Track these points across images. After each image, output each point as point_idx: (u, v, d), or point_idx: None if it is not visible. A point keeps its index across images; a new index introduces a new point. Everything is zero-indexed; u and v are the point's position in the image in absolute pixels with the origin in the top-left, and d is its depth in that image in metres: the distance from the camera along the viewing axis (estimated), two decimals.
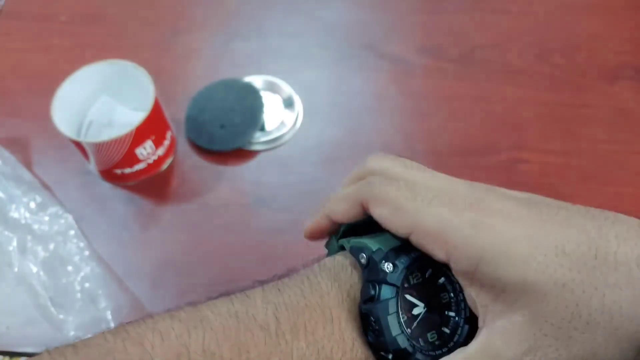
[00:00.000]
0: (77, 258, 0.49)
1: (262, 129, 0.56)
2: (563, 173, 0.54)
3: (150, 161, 0.52)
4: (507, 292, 0.21)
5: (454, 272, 0.23)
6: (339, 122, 0.58)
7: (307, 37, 0.64)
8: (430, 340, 0.24)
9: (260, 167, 0.55)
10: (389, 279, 0.24)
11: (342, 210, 0.27)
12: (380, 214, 0.24)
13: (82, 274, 0.48)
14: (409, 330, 0.24)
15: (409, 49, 0.63)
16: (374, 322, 0.23)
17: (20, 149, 0.56)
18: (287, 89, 0.59)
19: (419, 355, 0.23)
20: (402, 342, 0.23)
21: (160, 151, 0.53)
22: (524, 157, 0.54)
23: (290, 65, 0.62)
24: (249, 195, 0.53)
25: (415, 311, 0.24)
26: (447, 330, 0.25)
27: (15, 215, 0.50)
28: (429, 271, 0.25)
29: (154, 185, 0.54)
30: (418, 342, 0.24)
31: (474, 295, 0.22)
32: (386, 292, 0.23)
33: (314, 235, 0.30)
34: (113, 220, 0.52)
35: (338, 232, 0.28)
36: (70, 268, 0.48)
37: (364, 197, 0.25)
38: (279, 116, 0.57)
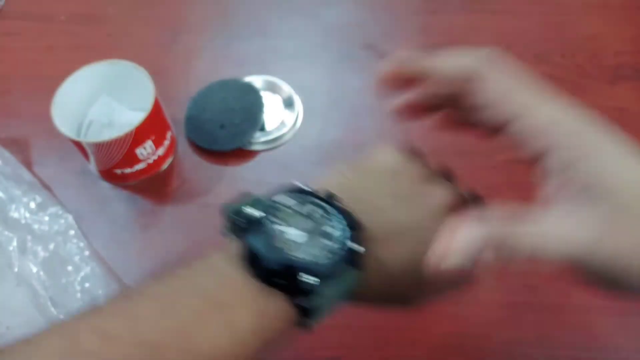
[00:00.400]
0: (77, 258, 0.49)
1: (262, 129, 0.56)
2: None
3: (150, 161, 0.52)
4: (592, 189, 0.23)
5: (544, 163, 0.25)
6: (339, 122, 0.58)
7: (307, 37, 0.64)
8: (315, 254, 0.25)
9: (260, 167, 0.55)
10: (251, 216, 0.26)
11: (449, 65, 0.28)
12: (494, 88, 0.25)
13: (82, 274, 0.48)
14: (288, 251, 0.25)
15: (408, 49, 0.63)
16: (253, 256, 0.25)
17: (20, 149, 0.56)
18: (287, 89, 0.59)
19: (303, 262, 0.24)
20: (281, 258, 0.24)
21: (160, 151, 0.53)
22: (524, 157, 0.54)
23: (290, 65, 0.62)
24: None
25: (295, 238, 0.26)
26: (329, 243, 0.26)
27: (15, 215, 0.50)
28: (297, 204, 0.27)
29: (154, 185, 0.54)
30: (299, 258, 0.25)
31: (554, 187, 0.24)
32: (255, 228, 0.25)
33: (391, 79, 0.31)
34: (113, 220, 0.52)
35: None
36: (70, 268, 0.48)
37: (483, 67, 0.27)
38: (279, 116, 0.57)
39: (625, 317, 0.46)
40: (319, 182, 0.29)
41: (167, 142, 0.53)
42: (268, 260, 0.24)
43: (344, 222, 0.26)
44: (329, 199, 0.27)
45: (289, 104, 0.58)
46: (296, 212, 0.27)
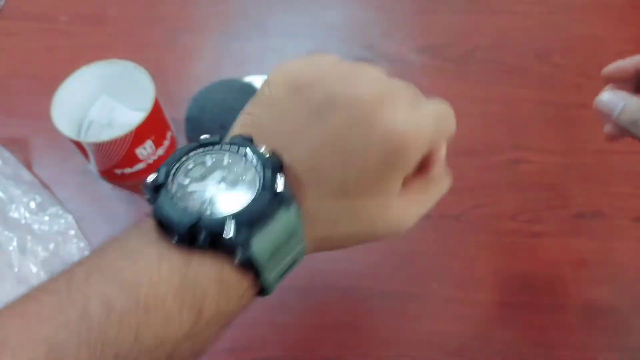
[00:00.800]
0: (77, 258, 0.49)
1: None
2: (563, 173, 0.54)
3: (150, 161, 0.52)
4: None
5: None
6: None
7: (307, 37, 0.64)
8: (232, 204, 0.23)
9: None
10: (154, 183, 0.24)
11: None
12: None
13: None
14: (199, 209, 0.23)
15: (408, 48, 0.63)
16: (165, 223, 0.23)
17: (20, 149, 0.56)
18: None
19: (214, 216, 0.22)
20: (191, 218, 0.22)
21: (160, 151, 0.53)
22: (523, 157, 0.54)
23: None
24: None
25: (203, 192, 0.24)
26: (246, 189, 0.24)
27: (15, 215, 0.50)
28: (208, 158, 0.25)
29: None
30: (211, 212, 0.23)
31: None
32: (160, 194, 0.24)
33: (610, 77, 0.37)
34: (113, 220, 0.52)
35: None
36: None
37: None
38: None
39: (625, 317, 0.46)
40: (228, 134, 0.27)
41: (167, 142, 0.53)
42: (179, 224, 0.22)
43: (257, 163, 0.24)
44: (237, 143, 0.25)
45: None
46: (203, 164, 0.25)
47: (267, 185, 0.23)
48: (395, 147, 0.24)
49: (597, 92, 0.59)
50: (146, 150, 0.51)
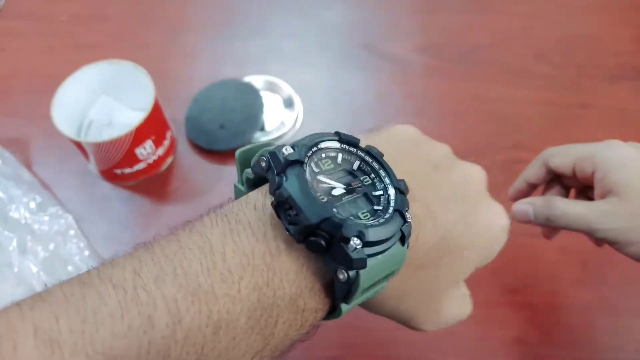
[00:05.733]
0: (77, 258, 0.49)
1: (262, 129, 0.56)
2: None
3: (150, 161, 0.52)
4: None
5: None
6: (339, 122, 0.58)
7: (307, 37, 0.64)
8: (363, 219, 0.21)
9: None
10: (290, 157, 0.21)
11: (532, 172, 0.39)
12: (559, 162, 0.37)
13: None
14: (331, 206, 0.21)
15: (408, 48, 0.63)
16: (288, 206, 0.20)
17: (20, 149, 0.56)
18: (287, 89, 0.59)
19: (350, 222, 0.20)
20: (325, 211, 0.19)
21: (160, 151, 0.53)
22: (523, 157, 0.54)
23: (290, 65, 0.62)
24: None
25: (336, 192, 0.22)
26: (379, 207, 0.22)
27: (15, 215, 0.50)
28: (340, 156, 0.23)
29: (154, 185, 0.54)
30: (347, 214, 0.21)
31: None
32: (292, 171, 0.20)
33: (515, 197, 0.40)
34: (113, 220, 0.52)
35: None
36: (70, 268, 0.48)
37: (545, 155, 0.38)
38: (279, 116, 0.57)
39: (625, 317, 0.46)
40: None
41: (167, 142, 0.53)
42: (307, 215, 0.19)
43: (393, 185, 0.22)
44: (377, 156, 0.23)
45: (289, 104, 0.58)
46: (339, 164, 0.23)
47: (400, 211, 0.21)
48: (496, 243, 0.27)
49: (597, 92, 0.59)
50: (146, 150, 0.51)
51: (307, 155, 0.21)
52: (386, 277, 0.22)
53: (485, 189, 0.28)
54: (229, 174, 0.55)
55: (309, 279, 0.20)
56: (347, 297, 0.20)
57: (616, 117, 0.57)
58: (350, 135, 0.23)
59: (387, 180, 0.23)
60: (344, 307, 0.21)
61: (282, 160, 0.21)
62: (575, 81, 0.60)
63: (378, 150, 0.23)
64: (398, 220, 0.21)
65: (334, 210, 0.20)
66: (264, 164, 0.21)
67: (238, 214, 0.21)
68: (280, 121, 0.57)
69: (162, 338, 0.18)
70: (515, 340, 0.46)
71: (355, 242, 0.19)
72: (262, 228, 0.20)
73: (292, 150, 0.21)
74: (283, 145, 0.21)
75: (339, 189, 0.22)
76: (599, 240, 0.35)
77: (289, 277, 0.20)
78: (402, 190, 0.22)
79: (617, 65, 0.61)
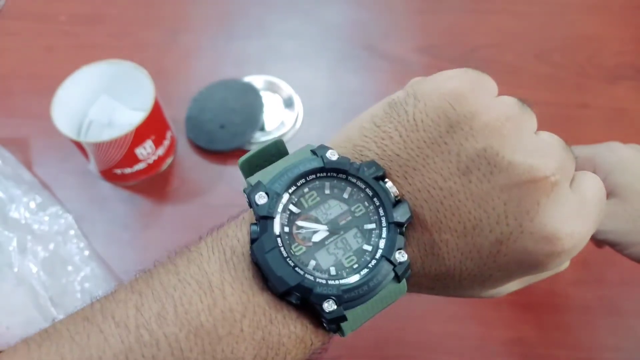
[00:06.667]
0: (77, 258, 0.49)
1: (262, 129, 0.56)
2: None
3: (150, 161, 0.52)
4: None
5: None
6: (339, 122, 0.58)
7: (307, 37, 0.64)
8: (347, 265, 0.20)
9: None
10: (259, 211, 0.20)
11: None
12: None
13: (82, 274, 0.48)
14: (308, 259, 0.20)
15: (408, 49, 0.63)
16: (259, 266, 0.19)
17: (20, 149, 0.56)
18: (287, 89, 0.59)
19: (319, 289, 0.19)
20: (292, 278, 0.19)
21: (160, 151, 0.53)
22: None
23: (290, 65, 0.62)
24: None
25: (317, 237, 0.20)
26: (368, 248, 0.20)
27: (15, 215, 0.50)
28: (327, 184, 0.21)
29: (154, 185, 0.54)
30: (323, 272, 0.20)
31: None
32: (263, 227, 0.20)
33: None
34: (113, 220, 0.52)
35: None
36: (70, 268, 0.48)
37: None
38: (279, 116, 0.57)
39: (625, 317, 0.46)
40: (347, 140, 0.23)
41: (167, 142, 0.53)
42: (274, 281, 0.19)
43: (387, 219, 0.20)
44: (371, 183, 0.21)
45: (289, 104, 0.58)
46: (327, 194, 0.21)
47: (387, 256, 0.20)
48: (547, 252, 0.20)
49: (597, 92, 0.59)
50: (146, 150, 0.51)
51: (280, 202, 0.20)
52: (386, 307, 0.21)
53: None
54: (229, 174, 0.55)
55: (303, 324, 0.20)
56: (342, 331, 0.20)
57: (616, 117, 0.57)
58: (340, 159, 0.21)
59: (381, 212, 0.21)
60: (345, 334, 0.21)
61: (255, 210, 0.20)
62: (575, 81, 0.60)
63: (377, 167, 0.21)
64: (384, 269, 0.20)
65: (305, 274, 0.19)
66: (246, 197, 0.21)
67: (232, 241, 0.21)
68: (280, 121, 0.57)
69: None
70: (515, 340, 0.46)
71: (329, 304, 0.19)
72: None
73: (264, 200, 0.20)
74: (258, 187, 0.20)
75: (321, 233, 0.20)
76: (599, 242, 0.35)
77: (292, 314, 0.20)
78: (399, 223, 0.20)
79: (617, 65, 0.61)
